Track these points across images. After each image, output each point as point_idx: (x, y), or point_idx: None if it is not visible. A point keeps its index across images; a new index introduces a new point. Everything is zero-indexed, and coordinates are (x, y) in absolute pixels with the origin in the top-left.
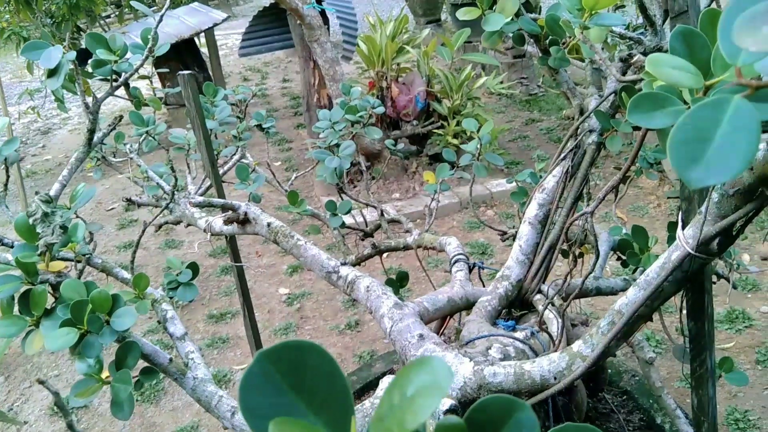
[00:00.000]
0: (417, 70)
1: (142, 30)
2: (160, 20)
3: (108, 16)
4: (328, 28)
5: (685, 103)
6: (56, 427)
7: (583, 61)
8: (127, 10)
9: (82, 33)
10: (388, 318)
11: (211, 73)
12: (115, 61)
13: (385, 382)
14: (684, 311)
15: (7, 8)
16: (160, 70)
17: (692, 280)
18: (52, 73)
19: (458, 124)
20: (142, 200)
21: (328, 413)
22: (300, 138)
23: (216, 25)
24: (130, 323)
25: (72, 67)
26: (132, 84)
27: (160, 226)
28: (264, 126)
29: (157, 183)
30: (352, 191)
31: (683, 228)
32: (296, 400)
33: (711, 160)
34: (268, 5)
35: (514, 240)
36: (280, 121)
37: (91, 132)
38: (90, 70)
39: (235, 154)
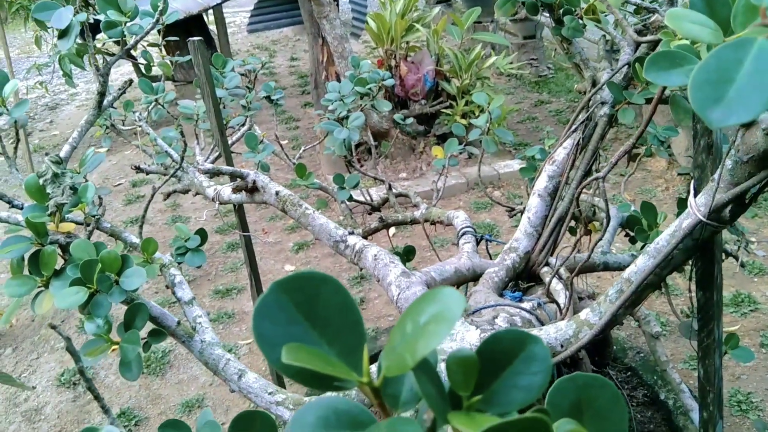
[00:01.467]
0: (426, 49)
1: None
2: None
3: None
4: (338, 5)
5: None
6: (63, 398)
7: (599, 22)
8: None
9: (91, 6)
10: (396, 286)
11: (219, 50)
12: (125, 23)
13: None
14: (693, 282)
15: None
16: (169, 38)
17: (702, 248)
18: (62, 34)
19: (467, 104)
20: (150, 168)
21: (341, 343)
22: (307, 116)
23: (224, 1)
24: (139, 283)
25: (80, 29)
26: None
27: (168, 195)
28: (273, 98)
29: (166, 151)
30: (361, 170)
31: (695, 196)
32: (309, 330)
33: (733, 99)
34: None
35: (522, 215)
36: (287, 99)
37: (101, 95)
38: (101, 33)
39: (243, 125)
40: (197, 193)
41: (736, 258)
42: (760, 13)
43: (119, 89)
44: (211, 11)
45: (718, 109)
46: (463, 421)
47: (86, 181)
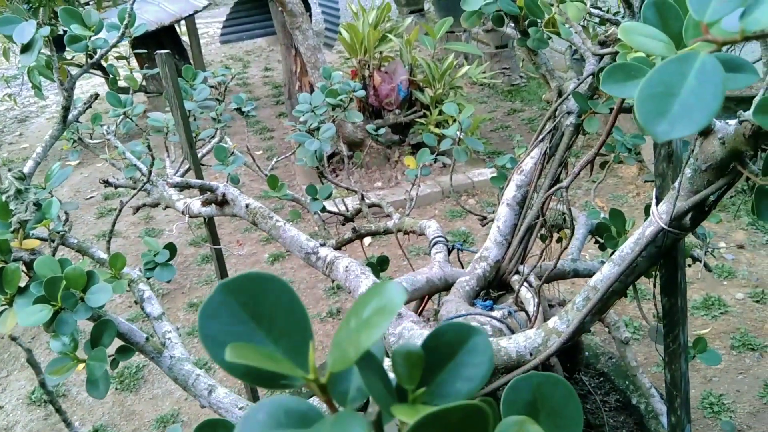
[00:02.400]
0: (399, 59)
1: (119, 9)
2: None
3: (87, 3)
4: (310, 15)
5: None
6: (33, 416)
7: (560, 35)
8: None
9: (59, 19)
10: None
11: (191, 61)
12: (90, 37)
13: None
14: (657, 288)
15: None
16: (137, 51)
17: (666, 255)
18: (25, 48)
19: (440, 113)
20: (119, 182)
21: (288, 341)
22: (282, 127)
23: (197, 12)
24: (105, 299)
25: (44, 43)
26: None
27: (137, 209)
28: (243, 109)
29: (134, 164)
30: (334, 180)
31: (657, 204)
32: (256, 329)
33: (677, 113)
34: None
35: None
36: (261, 110)
37: (66, 109)
38: (66, 47)
39: (213, 137)
40: (167, 207)
41: (701, 261)
42: (702, 29)
43: (85, 103)
44: (183, 22)
45: (663, 123)
46: (406, 412)
47: (51, 196)
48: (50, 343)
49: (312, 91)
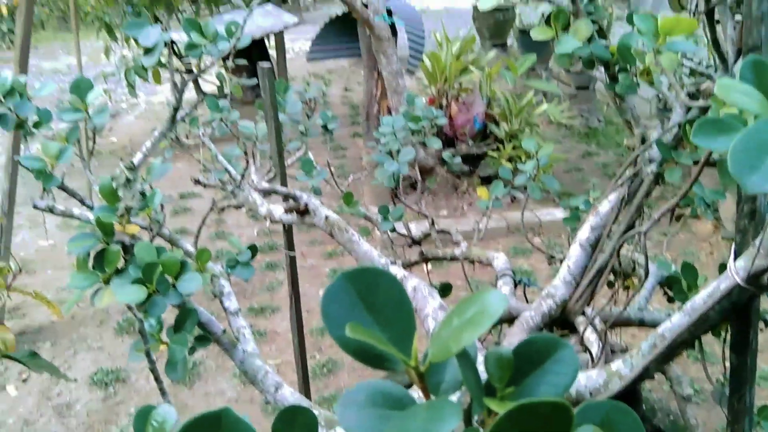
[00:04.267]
0: (478, 91)
1: (227, 22)
2: (249, 13)
3: (184, 11)
4: (396, 41)
5: None
6: (93, 396)
7: (652, 84)
8: (203, 5)
9: (159, 23)
10: (432, 318)
11: (276, 74)
12: (206, 46)
13: None
14: (727, 345)
15: None
16: (238, 60)
17: (739, 312)
18: (148, 51)
19: (514, 148)
20: (208, 181)
21: (394, 329)
22: (355, 146)
23: (286, 28)
24: (195, 287)
25: (165, 48)
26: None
27: (222, 209)
28: (329, 126)
29: (225, 167)
30: (406, 203)
31: (735, 259)
32: (368, 315)
33: None
34: (340, 14)
35: (561, 263)
36: (337, 128)
37: (176, 109)
38: (181, 51)
39: (299, 149)
40: (250, 210)
41: None
42: None
43: (192, 106)
44: (272, 36)
45: (754, 176)
46: (497, 404)
47: (152, 188)
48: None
49: (390, 114)
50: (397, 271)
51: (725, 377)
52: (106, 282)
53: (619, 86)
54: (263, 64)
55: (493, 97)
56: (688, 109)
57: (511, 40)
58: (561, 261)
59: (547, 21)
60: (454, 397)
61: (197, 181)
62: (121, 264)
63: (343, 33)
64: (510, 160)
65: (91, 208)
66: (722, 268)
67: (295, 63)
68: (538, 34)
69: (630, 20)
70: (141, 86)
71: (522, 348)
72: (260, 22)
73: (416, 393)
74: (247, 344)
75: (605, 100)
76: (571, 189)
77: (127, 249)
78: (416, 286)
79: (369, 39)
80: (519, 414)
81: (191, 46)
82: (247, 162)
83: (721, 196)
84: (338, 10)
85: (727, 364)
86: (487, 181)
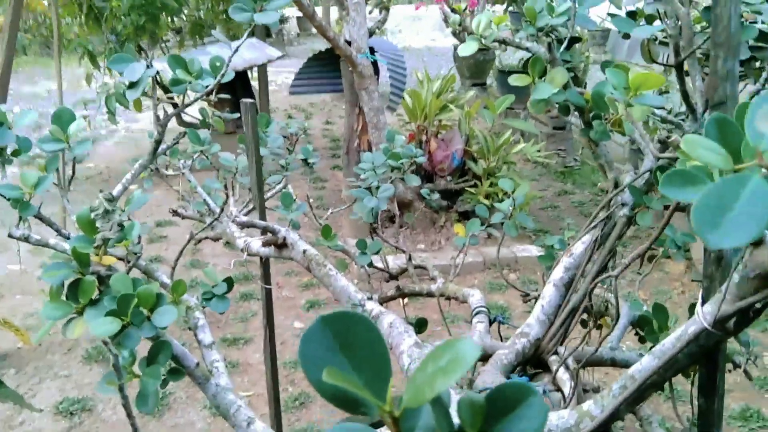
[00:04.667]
0: (457, 129)
1: (212, 57)
2: (235, 52)
3: (168, 41)
4: (378, 79)
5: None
6: (58, 427)
7: (624, 135)
8: (187, 37)
9: (143, 53)
10: (407, 355)
11: (259, 107)
12: (191, 82)
13: None
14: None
15: (77, 20)
16: (220, 96)
17: (707, 355)
18: (132, 85)
19: (491, 185)
20: (187, 213)
21: (369, 373)
22: (335, 179)
23: (270, 61)
24: (170, 320)
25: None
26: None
27: (199, 240)
28: (309, 161)
29: (204, 199)
30: (385, 238)
31: (702, 304)
32: (343, 359)
33: (729, 226)
34: (324, 50)
35: (536, 302)
36: (318, 162)
37: (158, 143)
38: (165, 86)
39: (279, 183)
40: (227, 242)
41: (744, 370)
42: (757, 156)
43: (174, 139)
44: (255, 68)
45: (716, 233)
46: None
47: (130, 219)
48: (111, 355)
49: (370, 148)
50: (373, 306)
51: (693, 420)
52: (80, 313)
53: (593, 132)
54: (246, 100)
55: (471, 135)
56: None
57: (491, 80)
58: (536, 299)
59: (525, 66)
60: None
61: (175, 213)
62: (95, 295)
63: (326, 68)
64: (487, 196)
65: (67, 237)
66: (692, 308)
67: (278, 95)
68: (516, 81)
69: (604, 68)
70: (121, 113)
71: (494, 394)
72: (244, 54)
73: None
74: (221, 378)
75: (581, 140)
76: (547, 226)
77: (102, 280)
78: (392, 322)
79: (351, 75)
80: None
81: (176, 82)
82: (227, 195)
83: (691, 239)
84: (321, 45)
85: (695, 403)
86: (464, 216)
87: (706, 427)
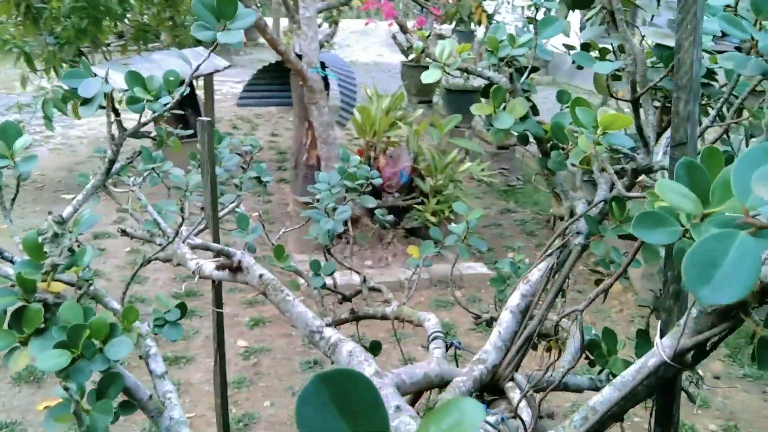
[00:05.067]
0: (405, 146)
1: (166, 72)
2: (196, 69)
3: (109, 44)
4: (328, 94)
5: (682, 225)
6: None
7: (592, 172)
8: (131, 42)
9: (83, 56)
10: None
11: (204, 115)
12: (149, 100)
13: None
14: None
15: (12, 21)
16: (176, 112)
17: (664, 387)
18: (85, 101)
19: (438, 202)
20: (136, 233)
21: None
22: (280, 192)
23: (217, 71)
24: (125, 353)
25: (105, 98)
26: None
27: (149, 261)
28: (263, 179)
29: (155, 219)
30: (339, 259)
31: (661, 337)
32: (341, 420)
33: (719, 282)
34: (273, 62)
35: (488, 325)
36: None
37: (112, 162)
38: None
39: (233, 203)
40: (178, 264)
41: (688, 393)
42: (743, 212)
43: (128, 158)
44: (201, 78)
45: (707, 288)
46: None
47: (77, 242)
48: (57, 390)
49: (319, 163)
50: (332, 334)
51: None
52: (23, 343)
53: (551, 162)
54: (203, 119)
55: (419, 153)
56: (612, 186)
57: (437, 98)
58: (487, 322)
59: (483, 93)
60: None
61: (124, 232)
62: (41, 324)
63: (275, 81)
64: (434, 213)
65: (10, 261)
66: (639, 333)
67: (223, 105)
68: (478, 111)
69: (560, 98)
70: (57, 119)
71: None
72: (192, 63)
73: None
74: (174, 410)
75: (525, 160)
76: (490, 244)
77: (48, 308)
78: (351, 350)
79: (301, 89)
80: None
81: (133, 100)
82: (182, 218)
83: (637, 264)
84: (268, 55)
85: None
86: (411, 233)
87: None
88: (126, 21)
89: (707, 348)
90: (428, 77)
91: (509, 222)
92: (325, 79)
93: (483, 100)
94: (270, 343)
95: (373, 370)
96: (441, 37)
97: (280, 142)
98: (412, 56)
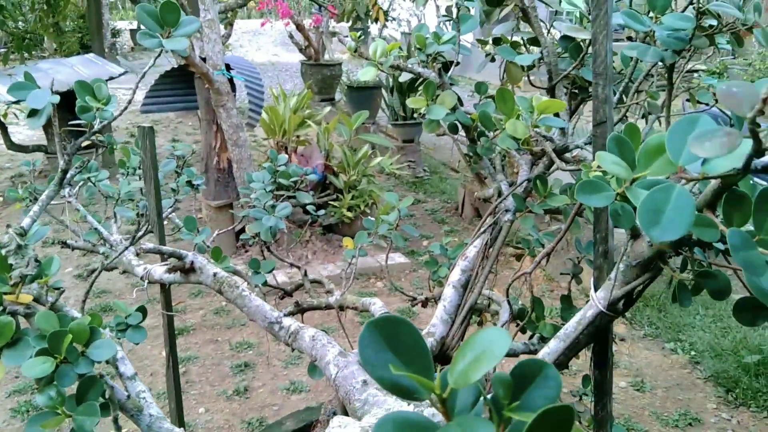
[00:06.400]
0: (316, 144)
1: (93, 80)
2: (143, 75)
3: (45, 49)
4: (235, 95)
5: (614, 190)
6: None
7: (533, 153)
8: (13, 52)
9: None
10: (334, 365)
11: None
12: (98, 109)
13: (336, 421)
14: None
15: None
16: (73, 123)
17: (600, 334)
18: (33, 113)
19: (353, 197)
20: (77, 244)
21: (415, 366)
22: (188, 198)
23: (111, 78)
24: (109, 354)
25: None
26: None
27: (92, 271)
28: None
29: (96, 228)
30: (246, 255)
31: (595, 291)
32: (393, 356)
33: (664, 224)
34: (175, 67)
35: (423, 306)
36: (168, 179)
37: (64, 172)
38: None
39: (171, 207)
40: (125, 271)
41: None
42: (678, 169)
43: (77, 167)
44: None
45: (656, 229)
46: (518, 414)
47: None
48: (37, 398)
49: (230, 166)
50: (291, 323)
51: (584, 391)
52: None
53: (480, 148)
54: (143, 125)
55: (331, 150)
56: (532, 166)
57: (339, 96)
58: (423, 303)
59: (408, 88)
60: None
61: (64, 244)
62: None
63: (177, 85)
64: (350, 209)
65: None
66: (563, 298)
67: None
68: (414, 104)
69: (478, 90)
70: None
71: (517, 371)
72: (81, 71)
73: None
74: (151, 408)
75: (429, 152)
76: (405, 234)
77: (16, 320)
78: (314, 335)
79: (207, 92)
80: (543, 417)
81: (83, 109)
82: (139, 224)
83: (551, 237)
84: (161, 60)
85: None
86: (329, 229)
87: (601, 395)
88: (5, 29)
89: (634, 297)
90: (365, 75)
91: (421, 212)
92: (231, 81)
93: (385, 94)
94: (197, 351)
95: (337, 351)
96: (334, 35)
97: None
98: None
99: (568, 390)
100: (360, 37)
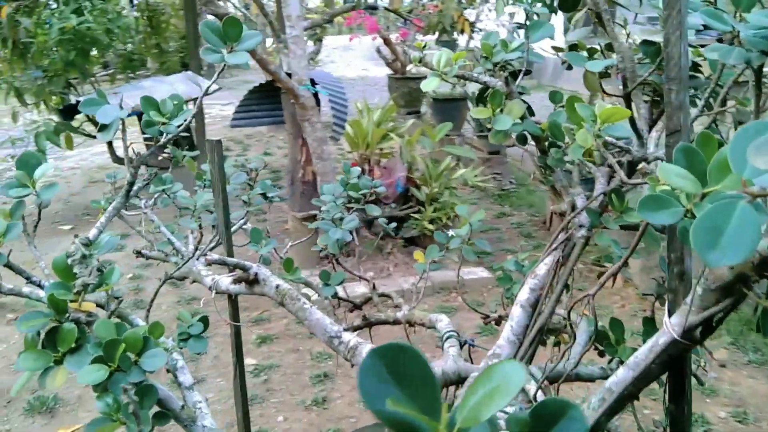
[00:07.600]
0: (399, 157)
1: (170, 96)
2: (206, 91)
3: (94, 75)
4: (320, 110)
5: (683, 206)
6: None
7: (595, 164)
8: (119, 72)
9: (72, 88)
10: None
11: (195, 141)
12: (163, 123)
13: None
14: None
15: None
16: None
17: (675, 364)
18: (103, 128)
19: (435, 210)
20: (151, 253)
21: (421, 400)
22: (276, 210)
23: (207, 94)
24: (160, 364)
25: (121, 124)
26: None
27: (164, 281)
28: (268, 195)
29: (169, 239)
30: (328, 266)
31: (669, 317)
32: (395, 388)
33: (724, 246)
34: (263, 82)
35: (497, 324)
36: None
37: (131, 184)
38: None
39: (242, 219)
40: (194, 281)
41: (698, 378)
42: (741, 183)
43: (145, 180)
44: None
45: (714, 253)
46: None
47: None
48: (96, 403)
49: (315, 179)
50: (350, 337)
51: (655, 425)
52: (59, 362)
53: (550, 159)
54: (212, 140)
55: (413, 162)
56: (610, 179)
57: (425, 108)
58: (496, 321)
59: (479, 98)
60: None
61: (139, 253)
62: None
63: (265, 100)
64: (432, 221)
65: (39, 285)
66: (646, 321)
67: (212, 128)
68: (478, 114)
69: (553, 99)
70: (49, 151)
71: (537, 410)
72: (179, 88)
73: None
74: (205, 419)
75: (516, 163)
76: (489, 248)
77: (80, 326)
78: None
79: (293, 107)
80: None
81: (148, 123)
82: (201, 235)
83: (637, 255)
84: (253, 76)
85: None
86: (410, 242)
87: (678, 431)
88: (113, 51)
89: (713, 324)
90: (427, 85)
91: (506, 225)
92: (315, 95)
93: (471, 105)
94: (279, 360)
95: None
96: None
97: (272, 162)
98: (411, 67)
99: (652, 417)
100: (425, 47)
